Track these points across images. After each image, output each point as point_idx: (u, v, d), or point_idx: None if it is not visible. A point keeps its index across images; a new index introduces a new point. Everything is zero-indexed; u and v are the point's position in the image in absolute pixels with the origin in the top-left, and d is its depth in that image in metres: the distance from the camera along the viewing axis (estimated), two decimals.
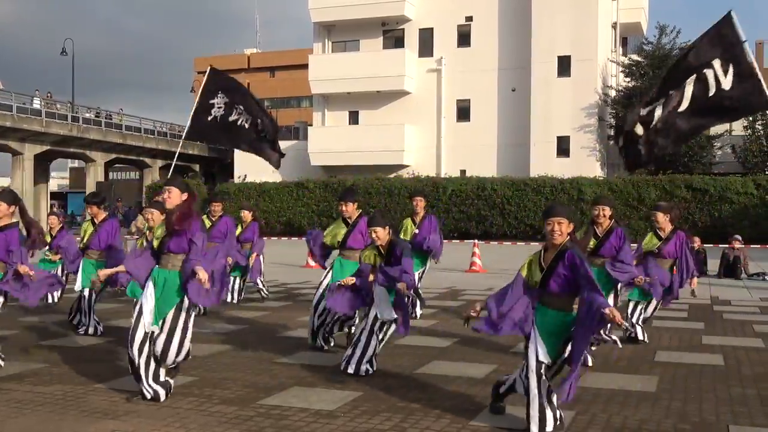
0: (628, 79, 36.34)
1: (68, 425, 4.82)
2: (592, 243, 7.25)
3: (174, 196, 5.61)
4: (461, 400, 5.54)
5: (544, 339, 4.63)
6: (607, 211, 7.30)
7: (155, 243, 5.63)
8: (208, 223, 9.85)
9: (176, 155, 13.05)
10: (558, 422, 4.59)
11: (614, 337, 7.24)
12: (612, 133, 36.80)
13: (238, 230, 10.77)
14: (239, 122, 10.87)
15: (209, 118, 10.86)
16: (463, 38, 38.43)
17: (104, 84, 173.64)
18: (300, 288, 13.44)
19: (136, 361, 5.32)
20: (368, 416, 5.07)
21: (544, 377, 4.58)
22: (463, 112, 38.43)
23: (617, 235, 7.23)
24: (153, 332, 5.41)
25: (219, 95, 10.84)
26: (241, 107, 10.84)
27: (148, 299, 5.45)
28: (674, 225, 7.92)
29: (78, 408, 5.24)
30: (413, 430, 4.77)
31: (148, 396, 5.33)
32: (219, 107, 10.87)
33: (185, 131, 11.40)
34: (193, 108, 11.05)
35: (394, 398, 5.56)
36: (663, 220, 7.84)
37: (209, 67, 11.27)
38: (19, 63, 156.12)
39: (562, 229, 4.68)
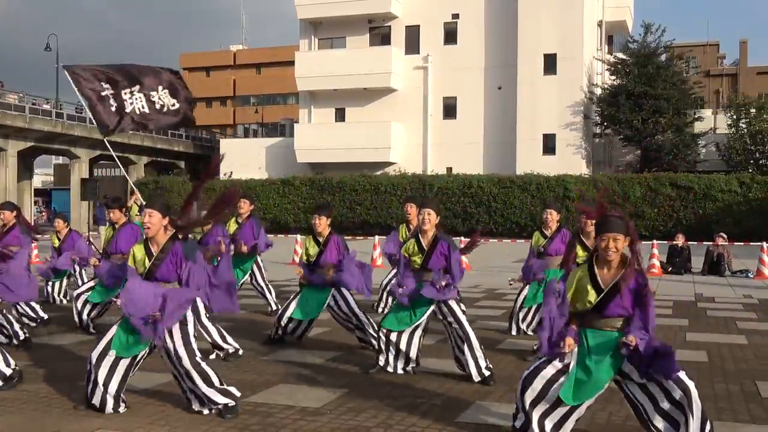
0: (613, 77, 36.49)
1: (53, 423, 4.80)
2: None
3: (155, 222, 5.13)
4: (447, 397, 5.55)
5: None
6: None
7: (139, 269, 5.19)
8: (234, 226, 9.49)
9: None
10: None
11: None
12: (598, 130, 37.06)
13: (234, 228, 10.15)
14: (135, 108, 9.97)
15: (113, 110, 9.85)
16: (450, 36, 38.46)
17: None
18: (287, 285, 13.42)
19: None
20: (354, 413, 5.08)
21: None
22: (450, 110, 38.46)
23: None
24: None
25: (103, 86, 9.77)
26: (128, 90, 9.86)
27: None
28: (560, 223, 8.08)
29: (63, 406, 5.22)
30: (399, 427, 4.77)
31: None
32: (109, 100, 9.82)
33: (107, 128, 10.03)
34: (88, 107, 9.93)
35: (380, 395, 5.57)
36: (553, 219, 8.00)
37: (67, 73, 9.82)
38: (1, 58, 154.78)
39: (618, 246, 4.20)
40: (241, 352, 6.98)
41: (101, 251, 8.53)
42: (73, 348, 7.41)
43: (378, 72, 38.19)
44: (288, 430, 4.69)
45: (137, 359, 5.15)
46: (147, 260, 5.13)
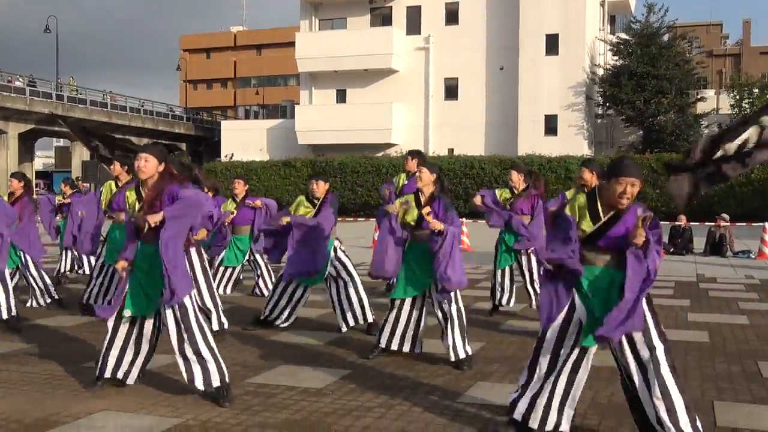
0: (616, 58, 36.34)
1: (56, 404, 4.81)
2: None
3: (150, 166, 4.89)
4: (449, 377, 5.56)
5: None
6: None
7: (130, 212, 5.03)
8: (232, 205, 9.43)
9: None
10: None
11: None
12: (600, 111, 36.92)
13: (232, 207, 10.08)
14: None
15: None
16: (451, 16, 38.25)
17: (89, 63, 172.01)
18: None
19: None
20: (356, 394, 5.09)
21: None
22: (451, 91, 38.33)
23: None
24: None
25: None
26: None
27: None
28: (535, 189, 8.11)
29: (66, 387, 5.23)
30: (401, 407, 4.79)
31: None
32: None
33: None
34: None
35: (383, 376, 5.58)
36: (516, 178, 8.10)
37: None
38: (1, 41, 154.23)
39: (634, 192, 3.89)
40: (226, 325, 6.95)
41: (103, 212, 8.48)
42: (76, 330, 7.42)
43: (379, 53, 38.04)
44: (290, 411, 4.70)
45: (151, 327, 5.04)
46: (137, 204, 4.98)
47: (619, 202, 3.90)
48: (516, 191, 8.08)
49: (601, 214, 3.99)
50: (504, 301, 8.30)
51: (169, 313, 4.84)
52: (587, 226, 3.99)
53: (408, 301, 6.08)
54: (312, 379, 5.48)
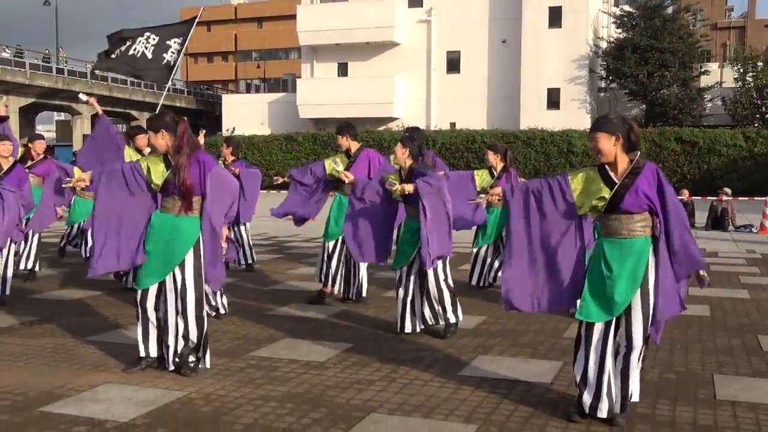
0: (619, 31, 36.05)
1: (60, 377, 4.85)
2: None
3: (165, 141, 4.85)
4: (450, 351, 5.59)
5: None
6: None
7: (156, 180, 4.88)
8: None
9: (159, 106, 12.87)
10: None
11: None
12: (602, 84, 36.71)
13: None
14: (133, 52, 10.56)
15: (113, 56, 10.61)
16: None
17: (89, 36, 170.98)
18: (289, 241, 13.46)
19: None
20: (358, 367, 5.12)
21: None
22: (453, 64, 38.10)
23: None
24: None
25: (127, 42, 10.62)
26: (142, 38, 10.48)
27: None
28: (506, 164, 8.13)
29: (69, 360, 5.27)
30: (403, 380, 4.82)
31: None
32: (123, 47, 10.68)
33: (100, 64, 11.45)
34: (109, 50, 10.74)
35: (384, 350, 5.61)
36: (493, 159, 8.12)
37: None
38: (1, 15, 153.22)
39: (602, 146, 3.98)
40: (223, 312, 6.78)
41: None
42: (80, 303, 7.45)
43: (381, 25, 37.76)
44: (292, 384, 4.73)
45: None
46: (166, 171, 4.87)
47: (597, 157, 4.00)
48: (495, 171, 8.07)
49: (615, 180, 3.98)
50: (490, 280, 8.31)
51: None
52: (606, 192, 3.99)
53: (403, 275, 6.08)
54: (314, 352, 5.51)
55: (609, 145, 3.96)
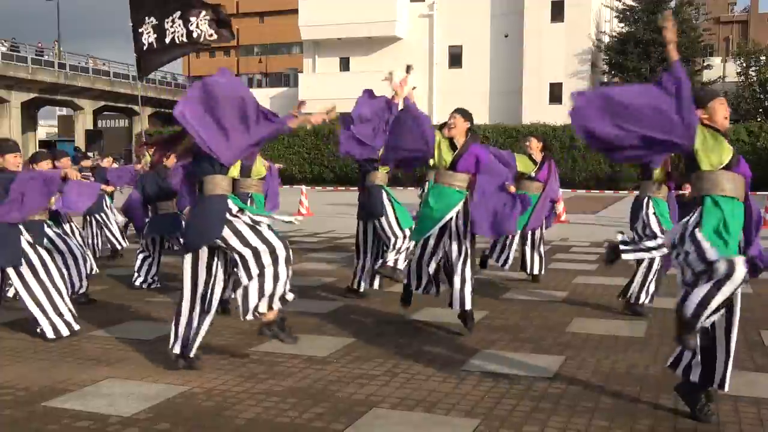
0: (622, 25, 35.96)
1: (63, 372, 4.86)
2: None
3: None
4: (453, 345, 5.59)
5: None
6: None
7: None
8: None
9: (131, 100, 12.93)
10: None
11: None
12: (605, 79, 36.65)
13: None
14: (174, 37, 10.61)
15: (144, 48, 10.65)
16: None
17: (91, 32, 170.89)
18: (292, 236, 13.45)
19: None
20: (360, 362, 5.12)
21: None
22: (455, 59, 38.05)
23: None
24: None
25: (147, 20, 10.61)
26: (171, 18, 10.54)
27: None
28: (544, 153, 8.32)
29: (72, 355, 5.28)
30: (405, 375, 4.82)
31: None
32: (148, 33, 10.69)
33: (139, 70, 11.33)
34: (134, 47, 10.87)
35: (386, 344, 5.61)
36: (536, 146, 8.28)
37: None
38: (2, 8, 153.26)
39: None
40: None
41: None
42: (82, 298, 7.45)
43: (383, 20, 37.70)
44: (295, 379, 4.74)
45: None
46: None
47: (725, 122, 4.01)
48: (534, 159, 8.17)
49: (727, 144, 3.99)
50: (501, 261, 8.27)
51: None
52: (726, 154, 3.97)
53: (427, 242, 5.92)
54: (316, 347, 5.51)
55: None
